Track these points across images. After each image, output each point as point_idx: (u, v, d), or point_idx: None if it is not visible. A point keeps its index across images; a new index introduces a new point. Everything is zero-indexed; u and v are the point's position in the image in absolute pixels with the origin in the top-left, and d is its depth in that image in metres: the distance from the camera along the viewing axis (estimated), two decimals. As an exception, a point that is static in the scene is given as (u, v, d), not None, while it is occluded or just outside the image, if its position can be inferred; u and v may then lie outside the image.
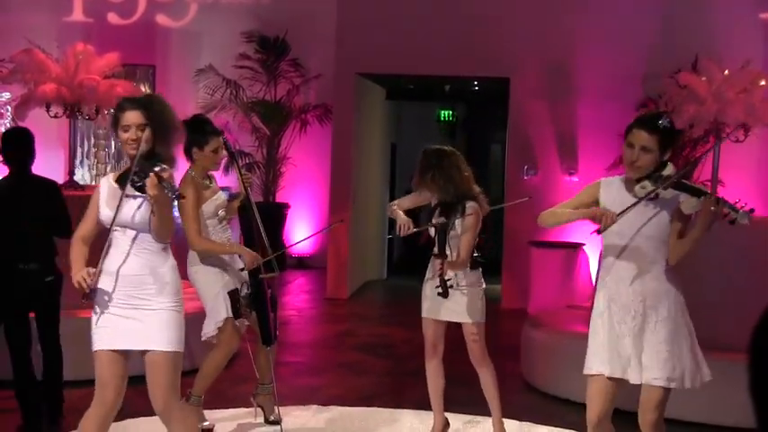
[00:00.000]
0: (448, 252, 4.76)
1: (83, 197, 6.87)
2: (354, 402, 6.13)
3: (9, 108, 8.12)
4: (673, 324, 3.76)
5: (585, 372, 3.89)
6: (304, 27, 12.03)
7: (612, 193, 3.87)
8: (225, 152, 5.23)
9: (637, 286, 3.78)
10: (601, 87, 10.03)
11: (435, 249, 4.73)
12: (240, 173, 5.23)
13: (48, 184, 5.42)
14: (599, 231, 3.73)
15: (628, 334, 3.77)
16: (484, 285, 5.01)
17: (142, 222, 3.72)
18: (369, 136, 11.69)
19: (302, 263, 12.85)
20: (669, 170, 3.75)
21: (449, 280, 4.63)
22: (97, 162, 12.20)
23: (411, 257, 14.66)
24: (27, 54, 7.23)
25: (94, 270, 3.70)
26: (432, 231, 4.86)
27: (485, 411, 5.27)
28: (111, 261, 3.77)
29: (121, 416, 4.01)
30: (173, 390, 3.75)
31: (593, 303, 6.94)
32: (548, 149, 10.19)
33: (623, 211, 3.69)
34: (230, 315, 5.10)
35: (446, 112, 15.14)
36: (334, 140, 10.70)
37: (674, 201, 3.74)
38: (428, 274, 5.02)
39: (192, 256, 5.18)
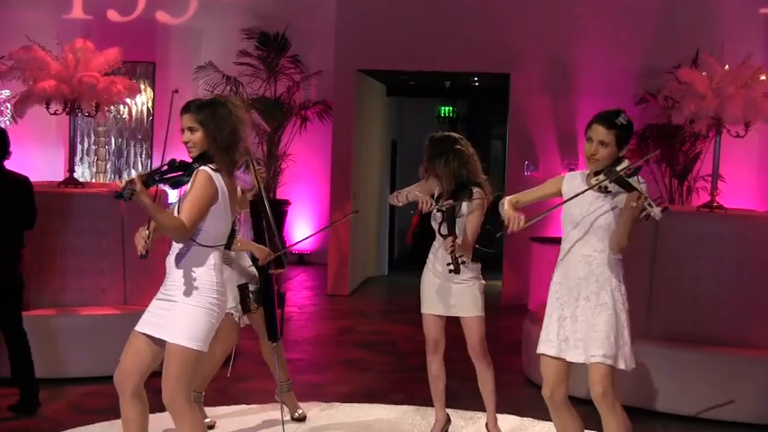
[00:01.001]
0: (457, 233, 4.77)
1: (83, 194, 6.89)
2: (356, 399, 6.13)
3: (8, 105, 8.10)
4: (612, 310, 3.98)
5: (537, 351, 4.17)
6: (304, 24, 12.02)
7: (573, 185, 4.11)
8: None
9: (582, 272, 4.02)
10: (601, 83, 10.02)
11: (444, 230, 4.74)
12: (254, 167, 5.24)
13: (20, 180, 5.71)
14: (506, 232, 4.06)
15: (570, 316, 4.01)
16: (483, 281, 5.02)
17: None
18: (369, 132, 11.68)
19: (303, 259, 12.85)
20: (623, 165, 3.95)
21: (461, 256, 4.65)
22: (97, 159, 12.19)
23: (412, 254, 14.67)
24: (26, 51, 7.20)
25: (147, 233, 3.76)
26: (438, 217, 4.87)
27: (485, 407, 5.27)
28: (172, 248, 3.87)
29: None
30: (181, 385, 3.75)
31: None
32: (548, 145, 10.18)
33: (568, 199, 4.00)
34: (230, 311, 5.10)
35: (446, 109, 15.12)
36: (335, 137, 10.69)
37: (621, 194, 3.94)
38: (428, 263, 5.07)
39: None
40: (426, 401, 5.46)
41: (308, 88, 12.25)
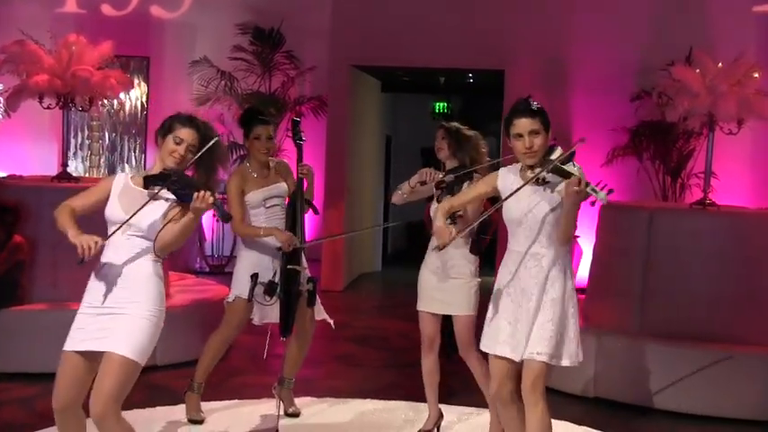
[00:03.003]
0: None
1: (77, 189, 6.87)
2: (349, 394, 6.13)
3: (1, 99, 8.08)
4: (561, 306, 3.93)
5: (481, 347, 4.11)
6: (299, 19, 11.98)
7: (508, 181, 4.04)
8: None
9: (534, 269, 3.94)
10: (595, 79, 10.03)
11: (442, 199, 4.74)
12: (299, 163, 5.25)
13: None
14: (439, 248, 4.00)
15: (523, 317, 3.93)
16: (479, 279, 5.02)
17: (151, 228, 3.72)
18: (363, 128, 11.67)
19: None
20: (557, 153, 3.91)
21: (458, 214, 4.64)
22: (91, 153, 12.17)
23: (405, 250, 14.66)
24: (19, 45, 7.16)
25: (103, 243, 3.68)
26: (438, 194, 4.93)
27: (478, 403, 5.27)
28: (104, 258, 3.77)
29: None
30: (114, 396, 3.62)
31: (587, 294, 6.99)
32: (542, 142, 10.17)
33: (506, 198, 3.94)
34: (244, 297, 5.15)
35: (441, 105, 15.11)
36: (329, 133, 10.68)
37: (559, 183, 3.89)
38: (426, 259, 5.07)
39: (239, 240, 5.43)
40: (419, 397, 5.46)
41: (302, 84, 12.21)
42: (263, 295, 5.11)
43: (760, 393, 5.87)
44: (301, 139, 5.33)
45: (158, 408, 5.57)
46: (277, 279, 5.14)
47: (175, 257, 9.16)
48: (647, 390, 6.03)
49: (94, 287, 3.77)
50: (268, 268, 5.21)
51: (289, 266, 5.14)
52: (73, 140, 11.90)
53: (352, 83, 10.68)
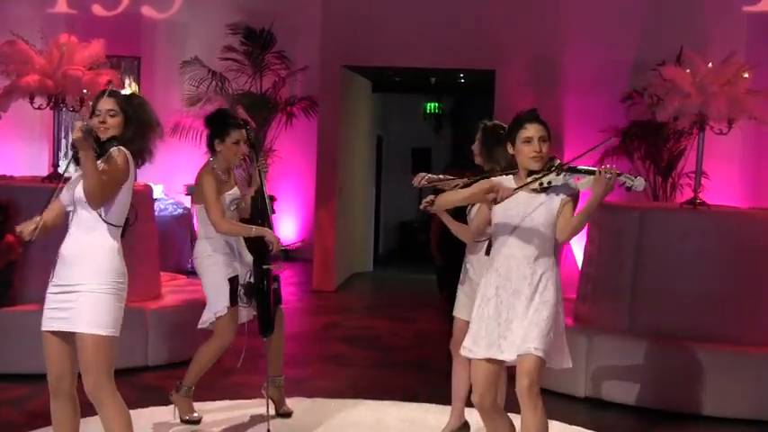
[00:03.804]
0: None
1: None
2: (339, 394, 6.12)
3: (-8, 100, 8.04)
4: (554, 309, 3.95)
5: (463, 353, 4.08)
6: (290, 19, 11.98)
7: (505, 185, 4.02)
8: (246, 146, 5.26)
9: (527, 271, 3.95)
10: (587, 79, 10.04)
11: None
12: (258, 161, 5.24)
13: None
14: (495, 201, 3.96)
15: (516, 317, 3.93)
16: None
17: (79, 197, 3.79)
18: (355, 128, 11.67)
19: (288, 255, 12.81)
20: (557, 162, 4.00)
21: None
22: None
23: (397, 250, 14.68)
24: (10, 45, 7.14)
25: (35, 225, 3.76)
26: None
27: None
28: (63, 242, 3.86)
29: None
30: (101, 373, 3.74)
31: (578, 294, 6.99)
32: (533, 141, 10.18)
33: (522, 186, 3.94)
34: (229, 306, 5.12)
35: (432, 105, 15.13)
36: (320, 133, 10.68)
37: (563, 187, 3.96)
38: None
39: (201, 246, 5.24)
40: (409, 396, 5.46)
41: (293, 84, 12.21)
42: (243, 297, 5.12)
43: (749, 392, 5.89)
44: (255, 139, 5.32)
45: (150, 408, 5.56)
46: (245, 280, 5.13)
47: (167, 258, 9.15)
48: (638, 389, 6.04)
49: (57, 265, 3.85)
50: (237, 271, 5.19)
51: (264, 266, 5.11)
52: (64, 141, 11.85)
53: (343, 83, 10.68)
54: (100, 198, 3.73)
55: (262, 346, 5.37)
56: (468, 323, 4.36)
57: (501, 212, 4.02)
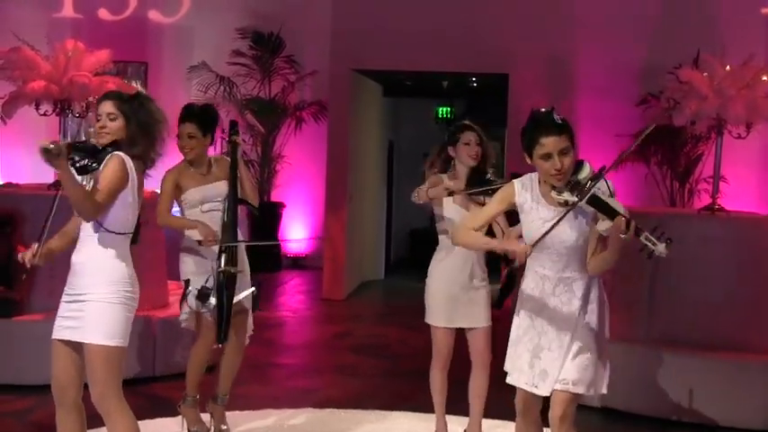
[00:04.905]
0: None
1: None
2: (350, 404, 6.03)
3: (-3, 106, 7.98)
4: (598, 332, 3.73)
5: (508, 381, 3.88)
6: (299, 23, 11.90)
7: (528, 197, 3.76)
8: (191, 140, 5.10)
9: (564, 296, 3.70)
10: (601, 83, 9.94)
11: None
12: (231, 137, 5.08)
13: None
14: (513, 268, 3.65)
15: (547, 346, 3.69)
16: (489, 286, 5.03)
17: None
18: (365, 133, 11.56)
19: (298, 263, 12.71)
20: (586, 171, 3.60)
21: None
22: (89, 161, 12.07)
23: (408, 257, 14.55)
24: (15, 51, 7.10)
25: (33, 252, 3.74)
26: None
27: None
28: (74, 251, 3.85)
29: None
30: (108, 383, 3.72)
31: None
32: (547, 146, 10.07)
33: (546, 233, 3.53)
34: (198, 308, 5.00)
35: (444, 109, 14.99)
36: (330, 138, 10.57)
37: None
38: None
39: (183, 246, 5.19)
40: (420, 407, 5.37)
41: (302, 89, 12.13)
42: (196, 302, 4.94)
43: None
44: (237, 134, 5.14)
45: (158, 419, 5.46)
46: (210, 284, 4.91)
47: (174, 266, 9.03)
48: (656, 399, 5.92)
49: (69, 274, 3.83)
50: (208, 273, 4.99)
51: (220, 269, 4.89)
52: (70, 147, 11.80)
53: (353, 87, 10.57)
54: (90, 210, 3.68)
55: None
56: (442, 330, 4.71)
57: (529, 231, 3.71)
